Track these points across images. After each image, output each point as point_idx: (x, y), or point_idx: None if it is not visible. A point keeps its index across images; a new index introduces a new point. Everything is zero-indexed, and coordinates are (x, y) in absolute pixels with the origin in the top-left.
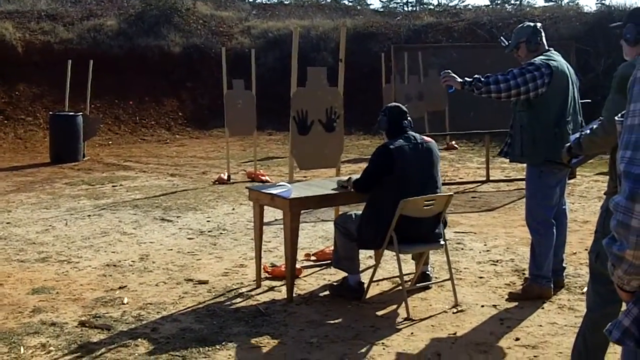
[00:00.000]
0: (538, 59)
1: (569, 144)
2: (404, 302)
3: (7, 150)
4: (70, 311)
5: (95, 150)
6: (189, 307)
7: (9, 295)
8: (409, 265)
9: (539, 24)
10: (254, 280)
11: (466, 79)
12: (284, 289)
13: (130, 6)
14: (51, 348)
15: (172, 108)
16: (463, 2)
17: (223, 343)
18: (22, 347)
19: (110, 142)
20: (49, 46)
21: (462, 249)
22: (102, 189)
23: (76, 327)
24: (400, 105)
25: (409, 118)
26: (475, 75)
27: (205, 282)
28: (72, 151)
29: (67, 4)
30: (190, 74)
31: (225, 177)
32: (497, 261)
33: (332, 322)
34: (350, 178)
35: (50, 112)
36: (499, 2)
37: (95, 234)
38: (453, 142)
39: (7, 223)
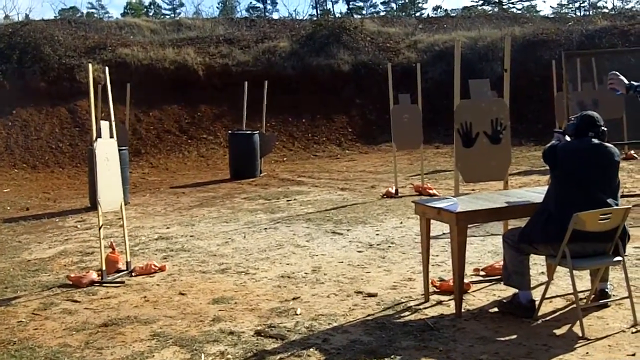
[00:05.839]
0: None
1: None
2: (578, 321)
3: (191, 168)
4: (247, 320)
5: (271, 166)
6: (358, 319)
7: (191, 304)
8: (585, 282)
9: None
10: (422, 294)
11: (632, 82)
12: (452, 303)
13: (302, 27)
14: (229, 356)
15: (342, 124)
16: None
17: (392, 356)
18: (202, 354)
19: (284, 159)
20: (227, 69)
21: None
22: (278, 203)
23: (252, 336)
24: (595, 116)
25: (602, 129)
26: None
27: (374, 295)
28: (250, 167)
29: (243, 28)
30: (359, 91)
31: (393, 191)
32: None
33: (502, 339)
34: None
35: (230, 131)
36: None
37: (271, 247)
38: (632, 152)
39: (191, 236)
